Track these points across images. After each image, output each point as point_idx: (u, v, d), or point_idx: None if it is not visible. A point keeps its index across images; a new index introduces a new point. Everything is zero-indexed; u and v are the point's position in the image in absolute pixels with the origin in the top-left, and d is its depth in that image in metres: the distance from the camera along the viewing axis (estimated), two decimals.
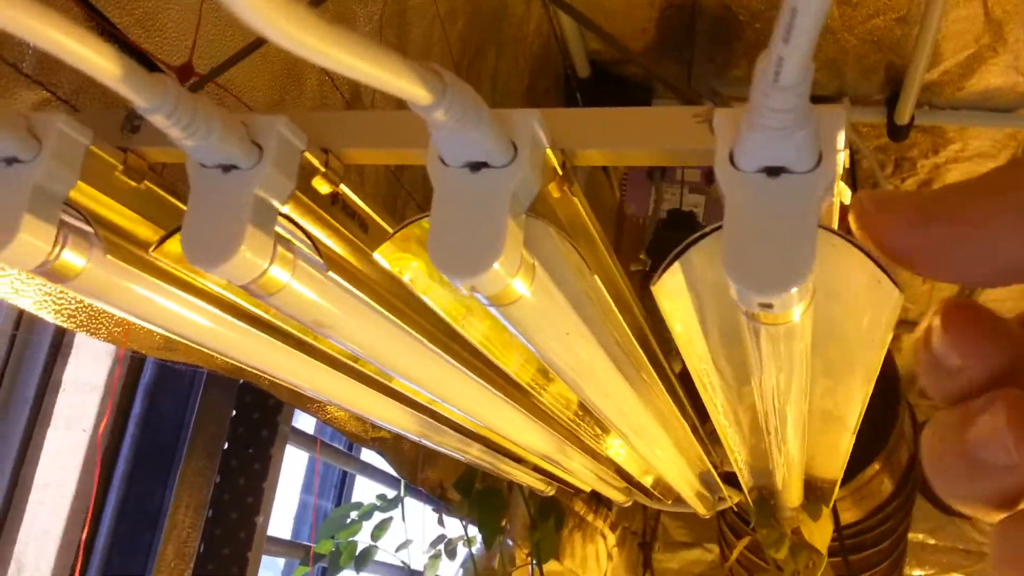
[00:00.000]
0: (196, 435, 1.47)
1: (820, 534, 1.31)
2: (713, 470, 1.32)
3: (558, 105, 2.02)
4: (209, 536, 1.51)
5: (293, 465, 2.11)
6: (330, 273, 0.47)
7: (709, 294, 0.42)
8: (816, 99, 0.31)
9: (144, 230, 0.54)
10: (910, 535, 2.94)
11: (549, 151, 0.41)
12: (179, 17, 0.80)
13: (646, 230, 1.82)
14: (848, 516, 2.38)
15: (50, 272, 0.48)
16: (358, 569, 1.92)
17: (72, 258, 0.49)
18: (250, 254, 0.43)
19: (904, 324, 2.91)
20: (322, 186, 0.47)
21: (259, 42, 0.63)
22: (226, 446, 1.59)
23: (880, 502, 2.45)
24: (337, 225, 0.51)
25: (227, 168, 0.43)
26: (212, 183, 0.43)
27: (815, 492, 1.22)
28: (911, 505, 2.67)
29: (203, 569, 1.50)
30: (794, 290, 0.34)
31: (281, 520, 1.85)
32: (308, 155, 0.46)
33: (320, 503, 2.93)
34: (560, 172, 0.42)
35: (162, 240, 0.48)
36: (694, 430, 1.04)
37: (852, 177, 2.15)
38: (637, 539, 3.33)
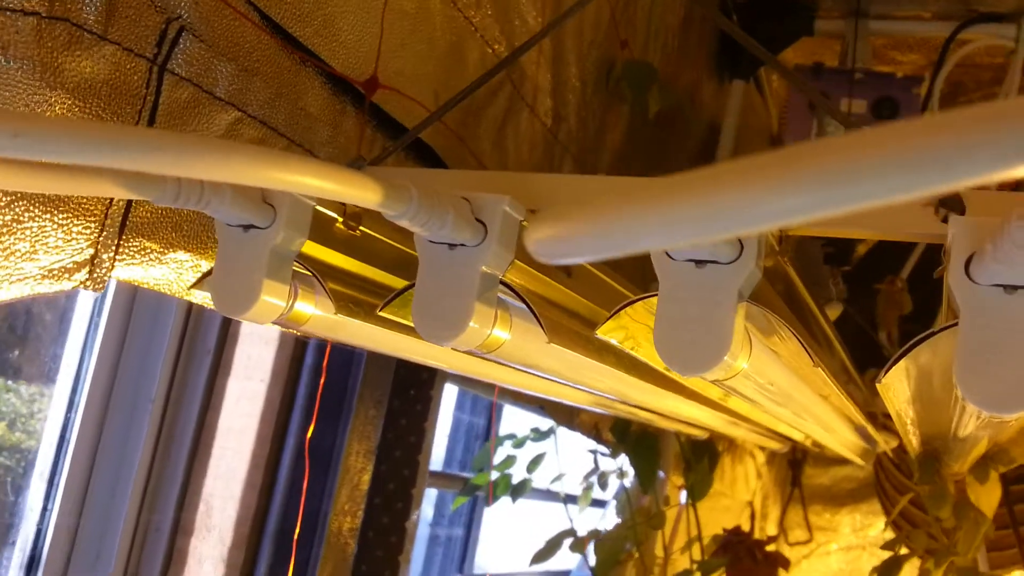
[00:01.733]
0: (364, 384, 1.53)
1: (987, 497, 1.29)
2: (869, 424, 1.31)
3: (713, 34, 1.98)
4: (375, 473, 1.58)
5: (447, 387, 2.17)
6: (540, 328, 0.49)
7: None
8: None
9: (360, 269, 0.57)
10: None
11: (770, 235, 0.41)
12: (356, 23, 0.82)
13: None
14: None
15: (285, 322, 0.52)
16: (514, 499, 1.97)
17: (303, 307, 0.52)
18: (477, 325, 0.45)
19: None
20: None
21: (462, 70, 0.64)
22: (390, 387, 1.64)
23: None
24: (545, 278, 0.53)
25: (453, 245, 0.45)
26: (441, 259, 0.45)
27: (985, 455, 1.21)
28: None
29: (369, 502, 1.58)
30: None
31: (436, 437, 1.90)
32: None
33: (473, 420, 3.02)
34: (777, 247, 0.43)
35: (389, 300, 0.50)
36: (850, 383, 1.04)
37: None
38: (787, 456, 3.32)
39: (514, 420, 2.66)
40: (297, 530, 1.20)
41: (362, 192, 0.35)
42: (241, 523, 1.38)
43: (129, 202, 0.65)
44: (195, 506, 1.40)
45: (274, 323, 0.52)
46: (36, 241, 0.60)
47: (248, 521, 1.38)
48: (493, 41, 1.05)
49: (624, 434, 1.63)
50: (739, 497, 2.82)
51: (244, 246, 0.49)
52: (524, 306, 0.48)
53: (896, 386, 0.44)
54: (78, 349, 1.29)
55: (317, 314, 0.53)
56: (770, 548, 1.73)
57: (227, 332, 1.45)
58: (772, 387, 0.50)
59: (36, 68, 0.55)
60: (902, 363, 0.39)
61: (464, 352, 0.57)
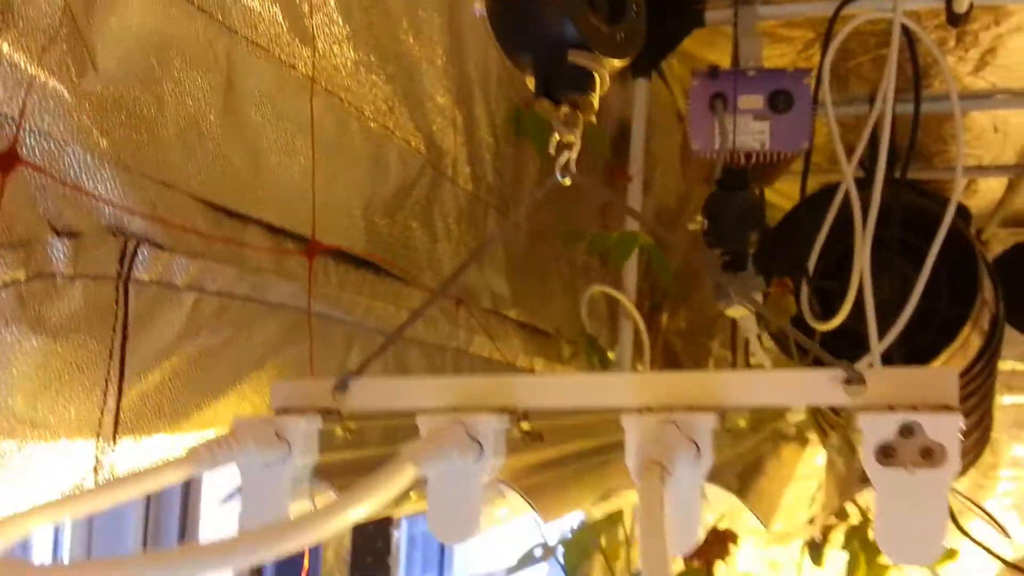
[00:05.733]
0: None
1: None
2: None
3: None
4: None
5: None
6: None
7: None
8: None
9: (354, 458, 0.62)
10: (1000, 364, 3.05)
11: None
12: (291, 182, 0.86)
13: (714, 167, 1.82)
14: None
15: None
16: None
17: None
18: (483, 522, 0.51)
19: (979, 170, 2.90)
20: None
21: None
22: None
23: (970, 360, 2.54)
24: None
25: None
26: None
27: None
28: (997, 353, 2.76)
29: None
30: None
31: None
32: None
33: None
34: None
35: None
36: None
37: (912, 57, 2.12)
38: None
39: None
40: None
41: (385, 497, 0.40)
42: None
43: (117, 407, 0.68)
44: None
45: None
46: None
47: None
48: (410, 136, 1.08)
49: None
50: None
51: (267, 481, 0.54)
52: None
53: None
54: None
55: None
56: (720, 527, 1.87)
57: None
58: None
59: (24, 328, 0.58)
60: None
61: None
